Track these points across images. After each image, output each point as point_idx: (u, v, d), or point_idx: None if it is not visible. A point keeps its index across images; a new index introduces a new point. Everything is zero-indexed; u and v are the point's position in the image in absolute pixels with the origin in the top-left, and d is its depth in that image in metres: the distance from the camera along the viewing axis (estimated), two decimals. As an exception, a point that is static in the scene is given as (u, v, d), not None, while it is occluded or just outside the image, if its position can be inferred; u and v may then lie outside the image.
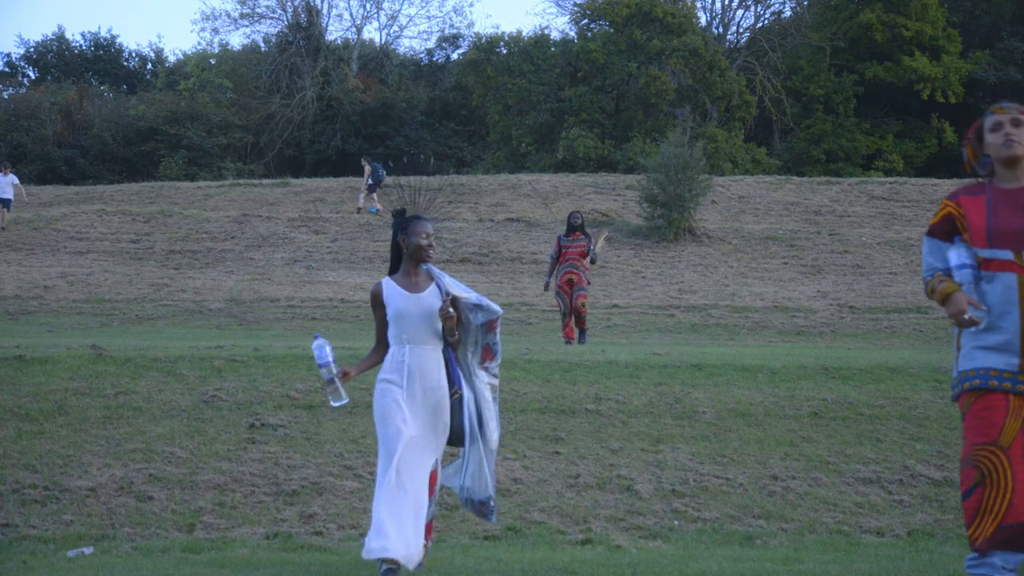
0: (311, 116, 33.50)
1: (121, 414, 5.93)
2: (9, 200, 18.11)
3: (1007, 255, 3.25)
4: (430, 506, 3.89)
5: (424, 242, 4.14)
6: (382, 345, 4.06)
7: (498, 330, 4.08)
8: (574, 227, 10.64)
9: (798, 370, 7.59)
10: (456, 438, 3.98)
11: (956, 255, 3.37)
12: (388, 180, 20.48)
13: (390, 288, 4.09)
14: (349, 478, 5.25)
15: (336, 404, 3.93)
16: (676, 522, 4.95)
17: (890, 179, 24.31)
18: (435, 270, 4.17)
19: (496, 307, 4.11)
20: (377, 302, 4.06)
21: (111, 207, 20.01)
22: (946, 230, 3.44)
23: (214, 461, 5.33)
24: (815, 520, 5.03)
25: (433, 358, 3.98)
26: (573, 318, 10.44)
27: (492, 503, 3.97)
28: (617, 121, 31.29)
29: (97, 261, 16.69)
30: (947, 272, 3.39)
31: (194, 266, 16.45)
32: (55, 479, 5.05)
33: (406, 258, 4.15)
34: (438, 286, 4.09)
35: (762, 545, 4.63)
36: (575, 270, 10.37)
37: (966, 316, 3.30)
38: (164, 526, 4.67)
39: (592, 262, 10.62)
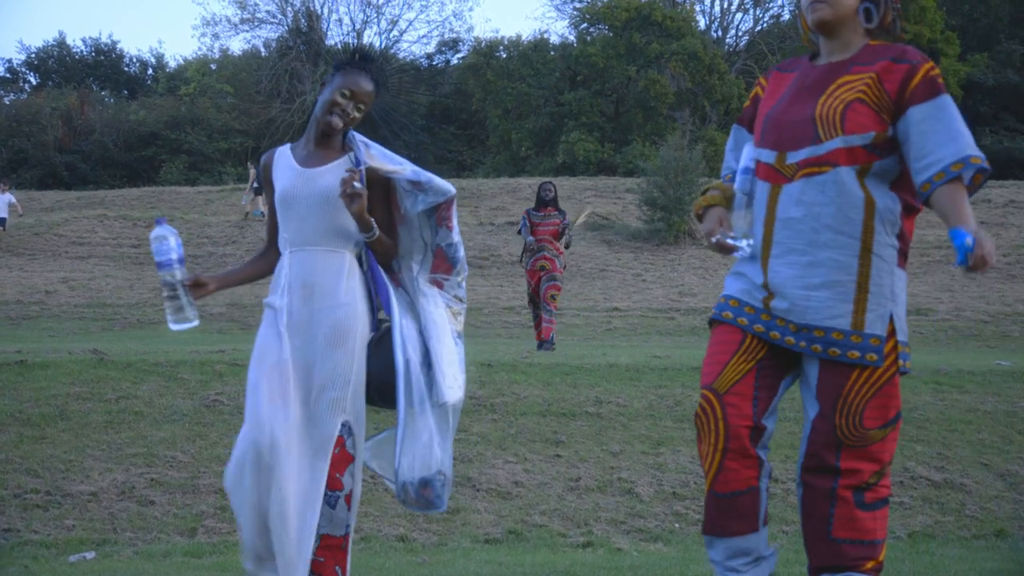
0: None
1: (123, 419, 5.94)
2: (3, 219, 17.89)
3: (769, 156, 2.44)
4: (340, 508, 2.58)
5: (340, 99, 2.68)
6: (272, 248, 2.82)
7: (454, 223, 2.78)
8: (545, 200, 9.10)
9: (798, 372, 7.60)
10: (383, 393, 2.65)
11: (747, 153, 2.52)
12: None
13: (282, 160, 2.77)
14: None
15: (176, 327, 2.72)
16: (677, 525, 4.96)
17: (890, 181, 24.30)
18: (359, 138, 2.79)
19: (446, 185, 2.76)
20: (266, 178, 2.79)
21: (112, 212, 20.03)
22: (752, 116, 2.61)
23: (216, 465, 5.34)
24: (815, 522, 5.03)
25: (332, 267, 2.64)
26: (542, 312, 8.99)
27: (440, 481, 2.62)
28: (617, 124, 31.33)
29: (98, 266, 16.71)
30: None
31: (195, 270, 16.46)
32: (57, 484, 5.06)
33: (311, 120, 2.77)
34: (354, 160, 2.70)
35: (763, 547, 4.62)
36: (547, 254, 8.94)
37: (714, 239, 2.50)
38: (166, 530, 4.68)
39: (566, 246, 9.17)
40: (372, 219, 2.63)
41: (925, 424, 6.48)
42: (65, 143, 31.79)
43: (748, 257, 2.48)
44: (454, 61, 38.41)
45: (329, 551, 2.60)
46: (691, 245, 18.01)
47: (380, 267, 2.71)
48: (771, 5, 36.76)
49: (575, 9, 35.02)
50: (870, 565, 2.39)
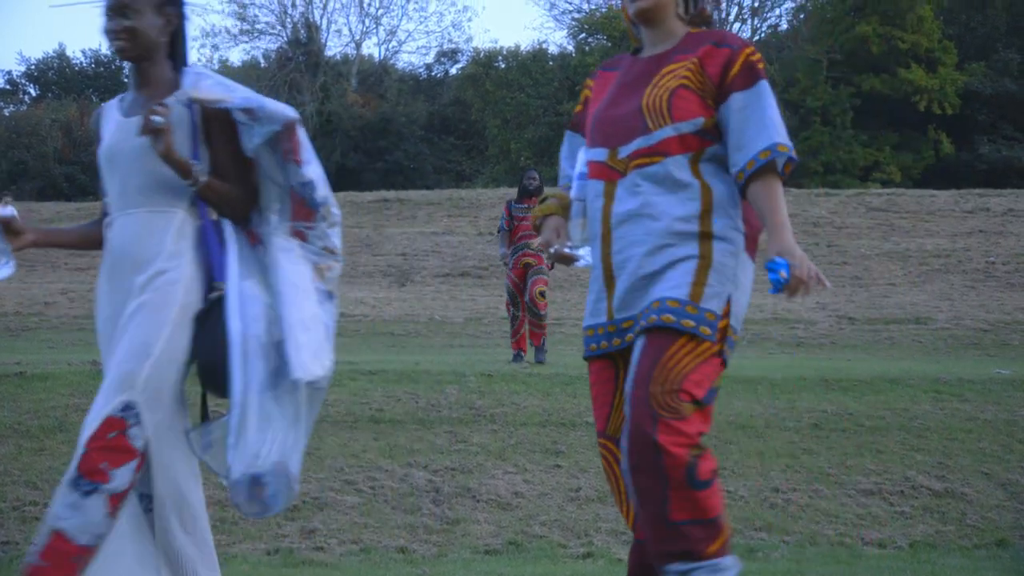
0: (311, 131, 33.31)
1: (122, 430, 5.92)
2: None
3: (601, 154, 2.35)
4: (93, 506, 2.07)
5: (108, 23, 2.28)
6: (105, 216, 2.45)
7: (304, 157, 2.31)
8: (529, 191, 8.15)
9: (798, 382, 7.59)
10: (212, 377, 2.23)
11: (581, 158, 2.45)
12: None
13: (109, 114, 2.42)
14: (350, 493, 5.25)
15: None
16: (677, 535, 4.94)
17: (888, 190, 24.39)
18: (193, 70, 2.38)
19: (282, 109, 2.34)
20: (97, 139, 2.41)
21: (111, 223, 20.05)
22: (584, 120, 2.51)
23: (215, 477, 5.33)
24: (816, 532, 5.03)
25: (156, 229, 2.25)
26: (526, 319, 8.04)
27: (276, 480, 2.18)
28: (615, 134, 31.40)
29: (97, 277, 16.71)
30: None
31: (194, 282, 16.46)
32: (56, 496, 5.04)
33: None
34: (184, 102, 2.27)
35: (763, 558, 4.62)
36: (532, 251, 7.84)
37: (552, 250, 2.42)
38: (165, 542, 4.65)
39: None
40: (191, 161, 2.21)
41: (925, 433, 6.47)
42: (65, 154, 31.83)
43: (591, 265, 2.40)
44: (453, 71, 38.52)
45: (53, 555, 2.02)
46: (690, 254, 18.05)
47: (231, 223, 2.29)
48: (769, 15, 36.91)
49: (573, 19, 35.13)
50: (715, 547, 2.19)
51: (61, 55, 39.75)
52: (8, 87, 39.74)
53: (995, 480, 5.72)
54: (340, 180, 31.61)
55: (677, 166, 2.29)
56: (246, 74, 37.03)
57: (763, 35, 36.52)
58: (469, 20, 67.95)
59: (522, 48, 34.43)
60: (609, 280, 2.35)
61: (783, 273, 2.19)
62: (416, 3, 46.50)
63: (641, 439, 2.16)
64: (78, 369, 7.17)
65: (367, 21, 38.66)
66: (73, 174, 31.53)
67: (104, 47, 42.38)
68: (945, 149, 30.58)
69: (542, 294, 7.94)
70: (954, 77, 30.38)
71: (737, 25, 37.11)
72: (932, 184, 26.79)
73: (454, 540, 4.84)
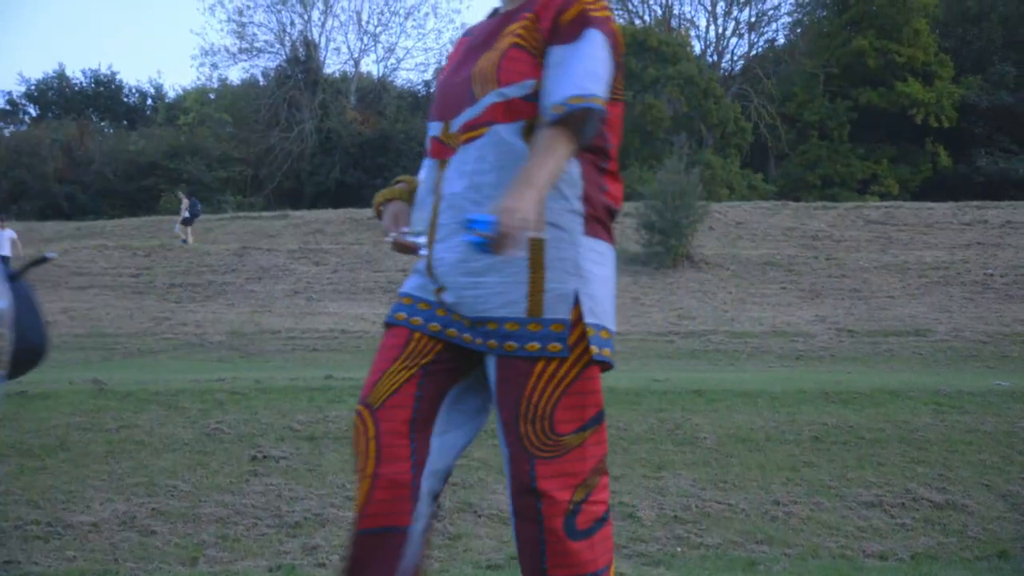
0: (310, 148, 33.75)
1: (123, 448, 5.94)
2: (8, 258, 17.15)
3: (436, 129, 2.11)
4: None
5: None
6: None
7: None
8: None
9: (798, 395, 7.60)
10: None
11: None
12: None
13: None
14: (352, 509, 5.25)
15: None
16: (679, 548, 4.95)
17: (886, 203, 24.47)
18: None
19: None
20: None
21: (112, 242, 20.09)
22: None
23: (216, 494, 5.34)
24: (818, 545, 5.03)
25: None
26: None
27: None
28: (614, 149, 31.48)
29: (98, 296, 16.74)
30: None
31: (195, 299, 16.49)
32: (57, 515, 5.05)
33: None
34: None
35: (765, 571, 4.62)
36: None
37: (389, 238, 2.19)
38: (167, 560, 4.67)
39: None
40: None
41: (926, 445, 6.48)
42: (65, 174, 31.93)
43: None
44: (451, 88, 38.61)
45: None
46: (690, 268, 18.06)
47: None
48: (766, 30, 37.11)
49: (571, 36, 35.30)
50: None
51: (61, 75, 39.94)
52: (8, 107, 39.92)
53: (996, 491, 5.72)
54: (339, 197, 31.70)
55: (504, 137, 1.96)
56: (245, 92, 37.19)
57: (760, 50, 36.71)
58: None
59: (520, 64, 34.58)
60: (432, 273, 2.06)
61: (481, 232, 1.78)
62: (414, 20, 46.86)
63: (520, 484, 1.96)
64: (79, 388, 7.18)
65: (365, 39, 38.99)
66: (73, 193, 31.61)
67: (103, 67, 42.48)
68: (942, 162, 30.69)
69: None
70: (951, 90, 30.53)
71: (735, 40, 37.32)
72: (930, 197, 26.88)
73: (456, 555, 4.84)
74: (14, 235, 17.93)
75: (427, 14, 53.43)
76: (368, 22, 39.29)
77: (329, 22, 40.11)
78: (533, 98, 1.96)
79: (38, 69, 75.48)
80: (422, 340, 2.05)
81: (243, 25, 36.83)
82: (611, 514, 2.09)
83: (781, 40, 36.92)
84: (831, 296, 16.50)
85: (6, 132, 37.16)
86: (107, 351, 13.15)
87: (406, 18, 52.48)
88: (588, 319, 1.97)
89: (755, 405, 7.26)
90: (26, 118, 39.37)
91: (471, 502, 5.28)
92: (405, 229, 2.16)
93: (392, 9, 45.50)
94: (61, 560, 4.59)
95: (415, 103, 38.28)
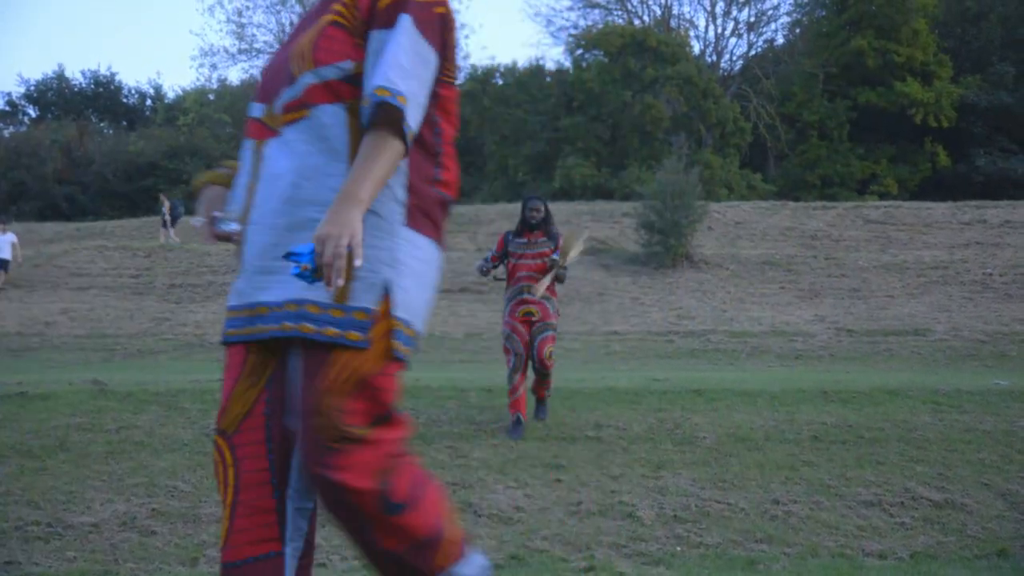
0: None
1: (123, 449, 5.94)
2: (7, 261, 17.34)
3: (259, 110, 2.01)
4: None
5: None
6: None
7: None
8: (531, 224, 6.54)
9: (797, 394, 7.62)
10: None
11: None
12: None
13: None
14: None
15: None
16: (678, 548, 4.96)
17: (885, 203, 24.49)
18: None
19: None
20: None
21: (112, 243, 20.10)
22: None
23: (217, 494, 5.34)
24: (817, 544, 5.04)
25: None
26: (526, 377, 6.48)
27: None
28: (613, 149, 31.50)
29: (98, 296, 16.73)
30: None
31: (195, 299, 16.49)
32: (58, 515, 5.05)
33: None
34: None
35: (764, 570, 4.63)
36: (534, 297, 6.43)
37: (197, 222, 2.09)
38: (168, 560, 4.67)
39: (559, 280, 6.53)
40: None
41: (925, 444, 6.49)
42: (64, 175, 31.94)
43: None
44: (451, 88, 38.62)
45: None
46: (689, 268, 18.07)
47: None
48: (765, 30, 37.12)
49: (570, 35, 35.34)
50: (440, 560, 1.93)
51: (60, 76, 39.94)
52: (8, 108, 39.91)
53: (995, 490, 5.73)
54: (339, 197, 31.64)
55: (324, 119, 1.88)
56: (245, 93, 37.19)
57: (760, 50, 36.72)
58: (466, 37, 68.13)
59: (519, 64, 34.63)
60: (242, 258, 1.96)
61: (305, 265, 1.73)
62: (413, 21, 46.75)
63: (320, 479, 1.84)
64: (79, 388, 7.19)
65: (365, 39, 38.91)
66: (73, 194, 31.62)
67: (102, 67, 42.47)
68: (942, 161, 30.71)
69: (550, 355, 6.47)
70: (950, 90, 30.54)
71: (734, 40, 37.35)
72: (929, 196, 26.90)
73: (456, 555, 4.84)
74: (14, 239, 17.89)
75: (426, 14, 53.34)
76: (367, 22, 39.26)
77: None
78: (353, 80, 1.89)
79: (37, 70, 75.46)
80: (258, 353, 1.95)
81: (242, 26, 36.87)
82: (433, 480, 1.98)
83: (780, 40, 36.99)
84: (830, 296, 16.50)
85: (5, 133, 37.17)
86: (107, 352, 13.15)
87: (405, 18, 52.44)
88: (397, 312, 1.88)
89: (754, 404, 7.27)
90: (25, 119, 39.38)
91: (471, 502, 5.29)
92: (218, 214, 2.05)
93: (391, 9, 45.47)
94: (61, 561, 4.60)
95: (414, 103, 38.23)
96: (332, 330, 1.82)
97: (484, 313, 15.18)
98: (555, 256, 6.42)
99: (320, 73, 1.88)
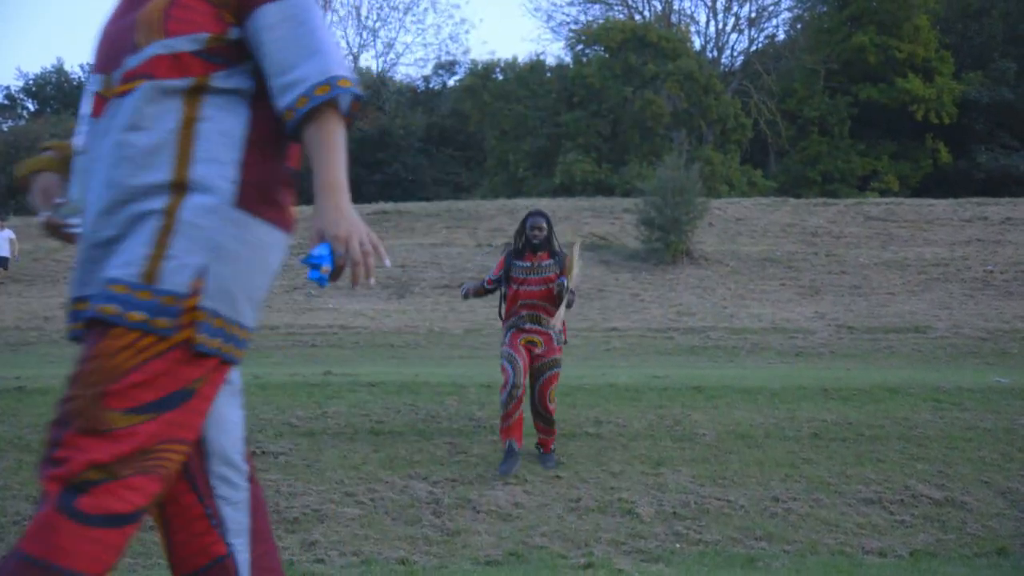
0: (309, 144, 33.71)
1: (122, 444, 5.93)
2: (6, 258, 17.15)
3: (97, 83, 1.83)
4: None
5: None
6: None
7: None
8: (534, 244, 5.78)
9: (798, 391, 7.60)
10: None
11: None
12: None
13: None
14: (350, 505, 5.24)
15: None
16: (678, 545, 4.95)
17: (886, 200, 24.46)
18: None
19: None
20: None
21: (110, 237, 20.08)
22: None
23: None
24: (817, 541, 5.02)
25: None
26: (523, 411, 5.67)
27: None
28: (614, 145, 31.47)
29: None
30: None
31: (193, 295, 16.47)
32: (56, 510, 5.03)
33: None
34: None
35: (764, 567, 4.62)
36: (539, 326, 5.70)
37: (41, 217, 1.95)
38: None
39: (568, 305, 5.73)
40: None
41: (925, 442, 6.47)
42: (64, 168, 31.94)
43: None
44: (451, 83, 38.65)
45: None
46: (689, 265, 18.05)
47: None
48: (766, 25, 37.05)
49: (571, 31, 35.28)
50: None
51: (59, 70, 39.88)
52: (7, 102, 39.85)
53: (995, 488, 5.72)
54: (339, 192, 31.63)
55: (159, 94, 1.71)
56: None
57: (760, 45, 36.66)
58: (467, 32, 68.19)
59: (520, 59, 34.58)
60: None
61: (324, 268, 1.66)
62: (413, 15, 46.77)
63: (45, 450, 1.68)
64: (78, 383, 7.17)
65: (364, 34, 38.95)
66: (72, 188, 31.62)
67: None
68: (943, 158, 30.68)
69: (553, 395, 5.76)
70: (951, 86, 30.50)
71: (735, 36, 37.29)
72: (930, 193, 26.87)
73: (454, 551, 4.84)
74: (12, 235, 17.77)
75: (426, 9, 53.48)
76: (367, 17, 39.32)
77: (328, 17, 39.99)
78: (206, 55, 1.73)
79: (36, 64, 75.38)
80: None
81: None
82: (136, 529, 1.72)
83: (781, 36, 36.92)
84: (831, 292, 16.49)
85: (4, 127, 37.12)
86: (106, 346, 13.14)
87: (405, 13, 52.44)
88: (204, 302, 1.69)
89: (754, 401, 7.26)
90: (24, 113, 39.33)
91: (470, 498, 5.28)
92: (60, 200, 1.88)
93: (391, 4, 45.45)
94: (59, 556, 4.58)
95: (414, 98, 38.24)
96: (138, 314, 1.65)
97: (483, 309, 15.16)
98: (563, 280, 5.58)
99: (170, 44, 1.72)
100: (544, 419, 5.76)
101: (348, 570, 4.52)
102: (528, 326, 5.69)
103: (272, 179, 1.79)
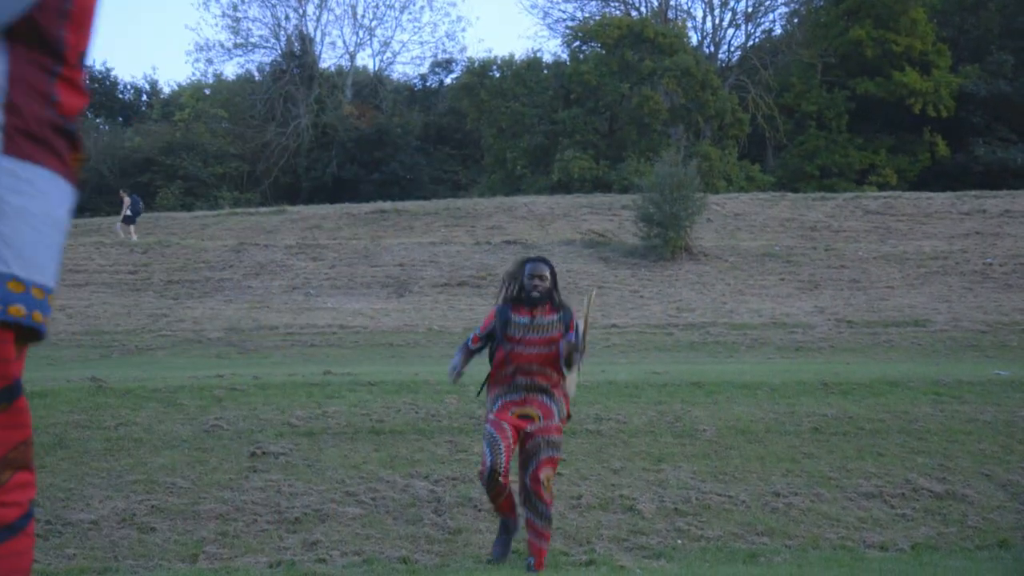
0: (306, 144, 33.67)
1: (122, 446, 5.92)
2: None
3: None
4: None
5: None
6: None
7: None
8: (533, 296, 4.57)
9: (798, 386, 7.60)
10: None
11: None
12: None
13: None
14: (351, 504, 5.24)
15: None
16: (679, 541, 4.94)
17: (884, 193, 24.44)
18: None
19: None
20: None
21: (109, 239, 20.05)
22: None
23: (216, 490, 5.33)
24: (818, 536, 5.02)
25: None
26: (518, 495, 4.56)
27: None
28: (611, 141, 31.44)
29: (96, 293, 16.70)
30: None
31: (192, 296, 16.45)
32: (57, 512, 5.04)
33: None
34: None
35: (766, 562, 4.62)
36: (536, 393, 4.51)
37: None
38: (167, 557, 4.65)
39: (568, 364, 4.50)
40: None
41: (925, 435, 6.48)
42: (61, 171, 31.89)
43: None
44: (448, 81, 38.61)
45: None
46: (688, 260, 18.05)
47: None
48: (763, 20, 37.01)
49: (567, 28, 35.23)
50: None
51: (57, 72, 39.76)
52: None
53: (996, 481, 5.72)
54: (337, 192, 31.64)
55: None
56: (241, 88, 37.11)
57: (757, 40, 36.63)
58: (463, 30, 68.07)
59: (516, 57, 34.52)
60: None
61: None
62: (410, 14, 46.66)
63: None
64: (77, 386, 7.17)
65: (361, 33, 38.84)
66: (117, 191, 31.63)
67: (98, 63, 42.43)
68: (941, 151, 30.66)
69: (549, 479, 4.50)
70: (948, 79, 30.48)
71: (731, 31, 37.26)
72: (928, 186, 26.86)
73: (456, 549, 4.83)
74: None
75: (423, 7, 53.34)
76: (363, 16, 39.26)
77: (324, 16, 40.00)
78: None
79: (33, 66, 75.13)
80: None
81: (238, 20, 36.74)
82: (32, 526, 1.54)
83: (778, 30, 36.86)
84: (830, 287, 16.49)
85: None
86: (105, 348, 13.12)
87: (401, 12, 52.29)
88: None
89: (754, 397, 7.26)
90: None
91: (471, 497, 5.28)
92: None
93: (387, 3, 45.38)
94: (61, 558, 4.58)
95: (411, 97, 38.20)
96: None
97: (483, 307, 15.15)
98: (572, 337, 4.41)
99: None
100: (537, 512, 4.42)
101: (350, 569, 4.52)
102: (523, 396, 4.51)
103: (46, 125, 1.58)
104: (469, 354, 4.70)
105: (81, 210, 30.09)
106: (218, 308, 15.54)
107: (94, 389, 7.01)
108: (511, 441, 4.45)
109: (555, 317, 4.55)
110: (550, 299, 4.59)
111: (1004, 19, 32.39)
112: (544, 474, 4.45)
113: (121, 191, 22.28)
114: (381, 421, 6.48)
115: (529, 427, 4.49)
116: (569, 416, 4.72)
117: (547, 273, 4.63)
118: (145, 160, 31.87)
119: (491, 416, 4.54)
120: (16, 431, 1.52)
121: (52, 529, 4.88)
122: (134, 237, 20.10)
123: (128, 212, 20.60)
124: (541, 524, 4.45)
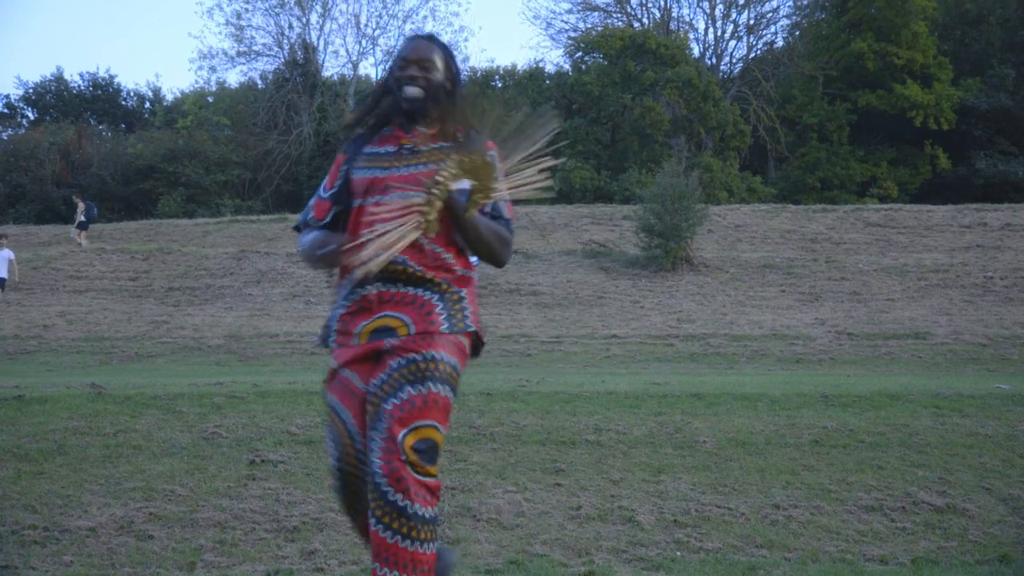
0: (308, 152, 33.73)
1: (121, 453, 5.91)
2: (3, 280, 16.52)
3: None
4: None
5: None
6: None
7: None
8: (406, 109, 2.78)
9: (798, 398, 7.59)
10: None
11: None
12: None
13: None
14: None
15: None
16: (679, 552, 4.93)
17: (885, 206, 24.47)
18: None
19: None
20: None
21: (110, 245, 20.07)
22: None
23: (214, 498, 5.31)
24: (818, 549, 5.01)
25: None
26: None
27: None
28: (613, 152, 31.49)
29: (96, 299, 16.70)
30: None
31: (193, 303, 16.46)
32: (55, 519, 5.02)
33: None
34: None
35: (765, 575, 4.60)
36: (407, 289, 2.66)
37: None
38: (165, 565, 4.64)
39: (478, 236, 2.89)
40: None
41: (926, 449, 6.46)
42: (63, 177, 31.90)
43: None
44: (450, 91, 38.62)
45: None
46: (689, 271, 18.05)
47: None
48: (765, 33, 37.11)
49: (570, 38, 35.32)
50: None
51: (59, 78, 39.92)
52: (6, 111, 39.89)
53: (997, 495, 5.70)
54: (338, 200, 31.58)
55: None
56: (243, 95, 37.19)
57: (759, 52, 36.72)
58: (466, 40, 68.20)
59: (519, 67, 34.61)
60: None
61: None
62: (412, 23, 46.71)
63: None
64: (77, 392, 7.16)
65: (364, 41, 38.92)
66: (71, 197, 31.60)
67: (101, 70, 42.50)
68: (942, 164, 30.71)
69: (421, 459, 2.70)
70: (950, 92, 30.54)
71: (733, 43, 37.35)
72: (929, 199, 26.88)
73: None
74: (12, 256, 17.43)
75: (425, 17, 53.27)
76: (366, 25, 39.27)
77: (327, 25, 40.11)
78: None
79: (36, 72, 75.48)
80: None
81: (241, 28, 36.82)
82: None
83: (780, 43, 36.96)
84: (830, 299, 16.48)
85: (4, 136, 37.13)
86: (105, 355, 13.12)
87: (404, 21, 52.40)
88: None
89: (754, 408, 7.24)
90: (24, 121, 39.34)
91: (470, 506, 5.26)
92: None
93: (390, 12, 45.50)
94: (58, 565, 4.57)
95: (414, 106, 38.18)
96: None
97: (483, 316, 15.17)
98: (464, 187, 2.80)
99: None
100: (397, 511, 2.59)
101: (348, 579, 4.50)
102: (378, 291, 2.78)
103: None
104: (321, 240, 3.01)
105: (83, 216, 30.12)
106: (219, 315, 15.55)
107: (93, 396, 7.00)
108: (357, 409, 2.81)
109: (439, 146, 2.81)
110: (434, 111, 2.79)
111: (1005, 33, 32.47)
112: (404, 434, 2.64)
113: (75, 196, 22.27)
114: (380, 430, 6.47)
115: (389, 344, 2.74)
116: (478, 331, 2.95)
117: (436, 58, 2.87)
118: (147, 167, 31.91)
119: (333, 360, 3.01)
120: None
121: (49, 536, 4.87)
122: (83, 243, 20.05)
123: (82, 218, 20.56)
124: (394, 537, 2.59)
